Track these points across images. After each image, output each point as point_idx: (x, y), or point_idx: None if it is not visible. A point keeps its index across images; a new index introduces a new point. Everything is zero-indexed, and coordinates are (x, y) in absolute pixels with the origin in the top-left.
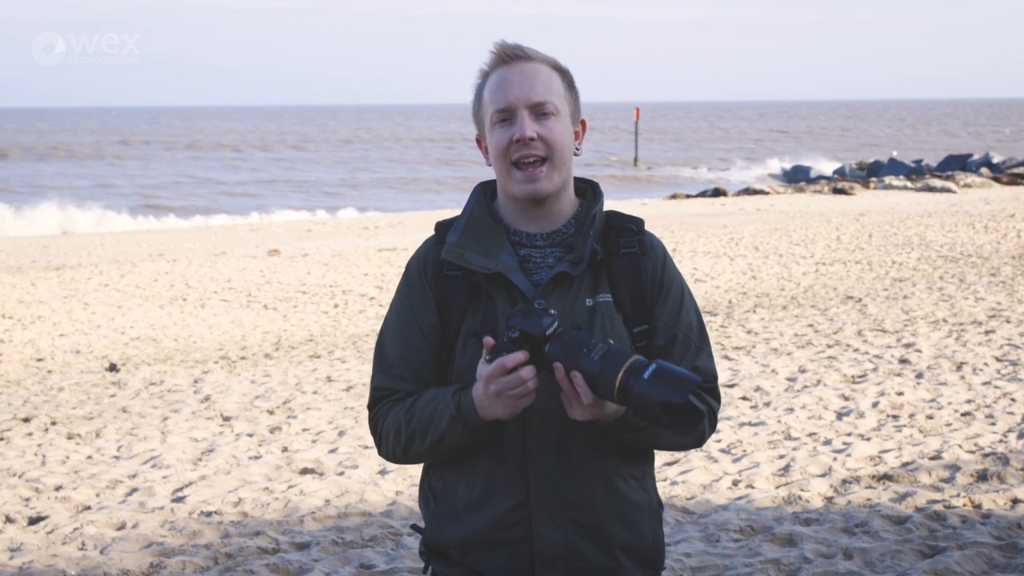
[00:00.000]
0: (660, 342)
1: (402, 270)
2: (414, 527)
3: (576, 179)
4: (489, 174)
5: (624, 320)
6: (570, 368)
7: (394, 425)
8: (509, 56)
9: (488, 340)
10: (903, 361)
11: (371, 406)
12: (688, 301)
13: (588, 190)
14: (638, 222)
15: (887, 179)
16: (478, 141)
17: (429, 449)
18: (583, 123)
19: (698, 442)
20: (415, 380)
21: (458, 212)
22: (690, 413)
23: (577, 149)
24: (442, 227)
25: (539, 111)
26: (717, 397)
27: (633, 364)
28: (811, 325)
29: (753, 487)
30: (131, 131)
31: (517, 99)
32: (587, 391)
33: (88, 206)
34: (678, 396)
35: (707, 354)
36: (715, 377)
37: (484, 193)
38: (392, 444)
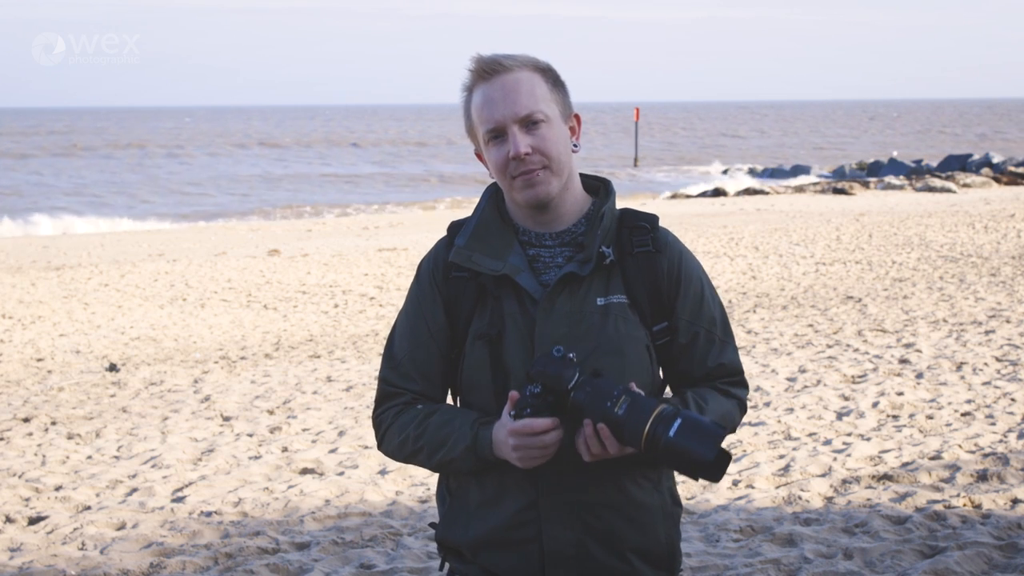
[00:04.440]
0: (683, 340)
1: (402, 270)
2: (432, 524)
3: (587, 176)
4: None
5: (642, 320)
6: (596, 420)
7: (400, 433)
8: (487, 71)
9: (513, 394)
10: (903, 361)
11: (378, 401)
12: (709, 295)
13: (601, 187)
14: (652, 219)
15: (887, 179)
16: (478, 155)
17: (435, 466)
18: (576, 117)
19: (731, 430)
20: (422, 380)
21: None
22: (718, 464)
23: (575, 145)
24: (454, 228)
25: (528, 122)
26: (745, 386)
27: (660, 415)
28: (811, 325)
29: (753, 487)
30: (125, 132)
31: (504, 117)
32: (614, 442)
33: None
34: (707, 453)
35: (732, 347)
36: (741, 370)
37: (495, 194)
38: (395, 449)
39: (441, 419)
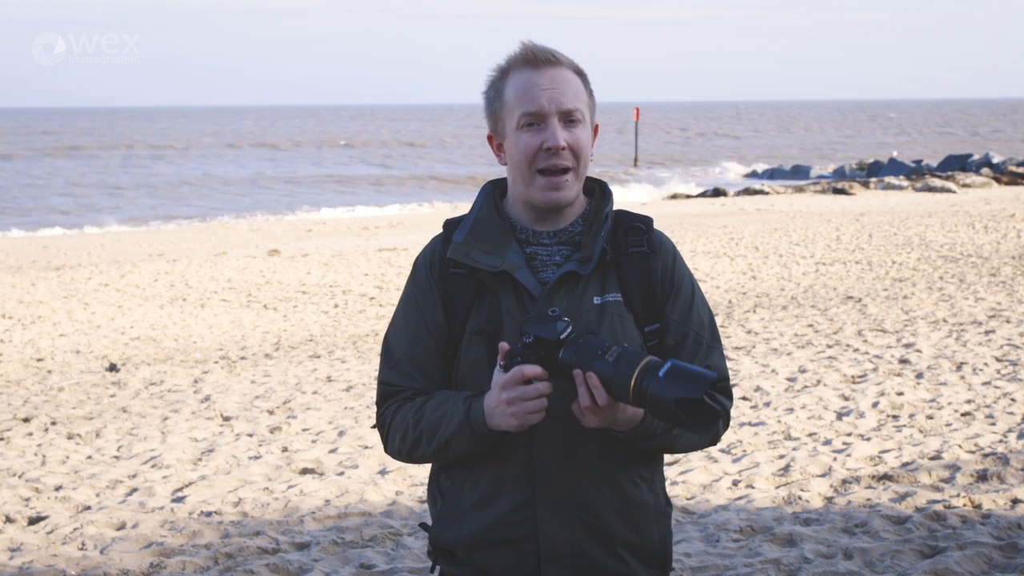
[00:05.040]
0: (671, 341)
1: (402, 270)
2: (422, 525)
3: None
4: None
5: (635, 319)
6: (585, 370)
7: (402, 425)
8: (540, 59)
9: (504, 346)
10: (903, 361)
11: (379, 402)
12: (699, 299)
13: (596, 188)
14: (647, 221)
15: (887, 179)
16: (490, 138)
17: (435, 452)
18: (595, 128)
19: (713, 441)
20: (422, 377)
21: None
22: (706, 411)
23: (591, 155)
24: (450, 225)
25: (569, 119)
26: (729, 395)
27: (648, 364)
28: (811, 325)
29: (753, 487)
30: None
31: (551, 103)
32: (602, 392)
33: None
34: (694, 392)
35: (719, 353)
36: (727, 377)
37: (493, 191)
38: (399, 444)
39: (436, 401)
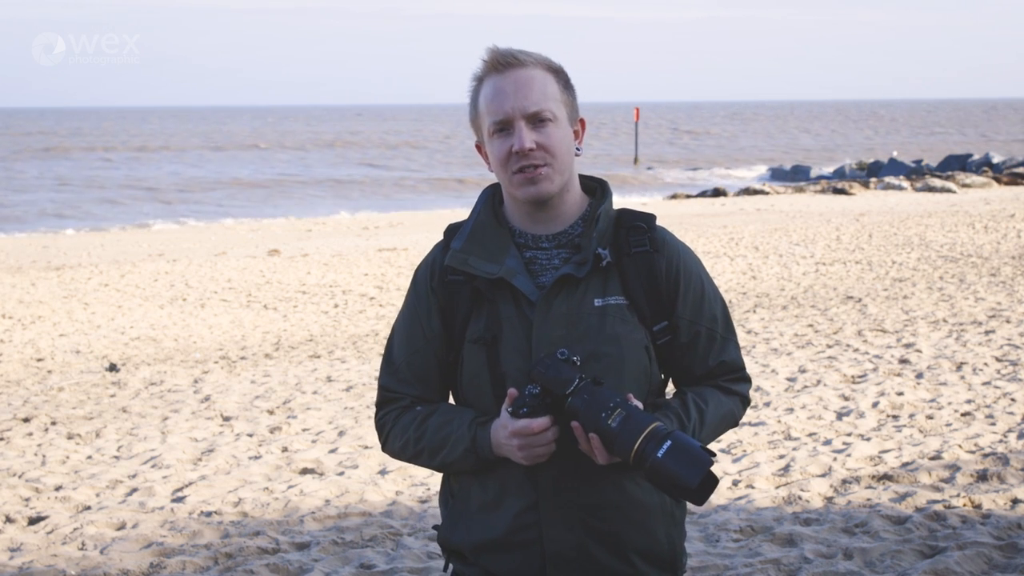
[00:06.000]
0: (684, 339)
1: (402, 270)
2: (436, 527)
3: (585, 177)
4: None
5: (641, 319)
6: (588, 429)
7: (402, 435)
8: (502, 64)
9: (512, 392)
10: (903, 361)
11: (378, 405)
12: (709, 292)
13: (597, 188)
14: (649, 219)
15: (887, 179)
16: (478, 147)
17: (437, 467)
18: (582, 122)
19: (734, 424)
20: (420, 385)
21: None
22: (702, 490)
23: (578, 150)
24: (451, 231)
25: (536, 119)
26: (747, 381)
27: (651, 432)
28: (811, 325)
29: (753, 487)
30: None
31: (513, 110)
32: (603, 452)
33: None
34: (691, 479)
35: (734, 344)
36: (743, 366)
37: (492, 197)
38: (398, 451)
39: (439, 420)
